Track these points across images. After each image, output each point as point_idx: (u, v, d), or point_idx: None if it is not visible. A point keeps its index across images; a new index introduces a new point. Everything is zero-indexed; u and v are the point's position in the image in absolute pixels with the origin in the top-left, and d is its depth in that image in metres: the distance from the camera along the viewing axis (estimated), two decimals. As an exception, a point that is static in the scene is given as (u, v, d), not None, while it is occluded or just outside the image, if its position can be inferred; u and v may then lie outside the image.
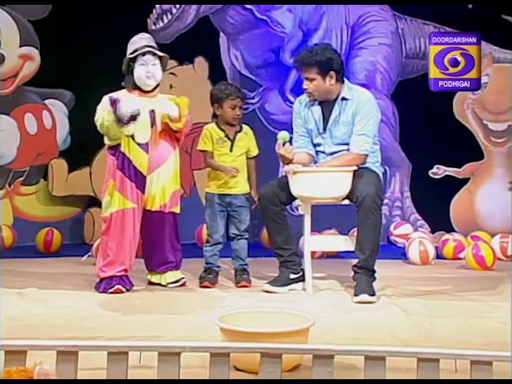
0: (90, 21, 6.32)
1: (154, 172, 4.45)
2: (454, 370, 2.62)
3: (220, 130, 4.69)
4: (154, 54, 4.42)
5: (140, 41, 4.45)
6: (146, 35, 4.56)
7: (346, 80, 4.49)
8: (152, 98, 4.47)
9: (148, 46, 4.42)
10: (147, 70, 4.40)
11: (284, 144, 4.30)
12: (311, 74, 4.37)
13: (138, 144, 4.39)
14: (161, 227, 4.53)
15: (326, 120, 4.47)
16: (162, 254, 4.57)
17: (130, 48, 4.44)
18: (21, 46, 6.47)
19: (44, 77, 6.51)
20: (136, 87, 4.44)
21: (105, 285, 4.37)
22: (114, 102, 4.24)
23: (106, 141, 4.46)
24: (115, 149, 4.40)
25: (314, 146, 4.55)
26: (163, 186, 4.49)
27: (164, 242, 4.56)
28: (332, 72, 4.36)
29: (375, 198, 4.21)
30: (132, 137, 4.37)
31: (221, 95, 4.65)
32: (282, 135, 4.31)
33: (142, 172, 4.42)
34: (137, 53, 4.39)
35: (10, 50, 6.41)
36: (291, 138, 4.49)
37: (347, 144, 4.42)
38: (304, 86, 4.44)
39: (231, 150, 4.67)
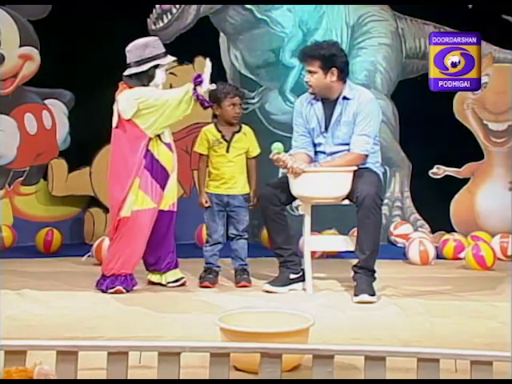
0: (90, 21, 6.31)
1: (173, 172, 4.52)
2: (454, 370, 2.62)
3: (217, 131, 4.70)
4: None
5: (161, 46, 4.47)
6: (158, 39, 4.55)
7: (348, 80, 4.49)
8: None
9: (167, 53, 4.49)
10: (163, 77, 4.49)
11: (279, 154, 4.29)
12: (314, 66, 4.38)
13: (165, 144, 4.45)
14: (168, 226, 4.56)
15: (327, 119, 4.47)
16: (167, 253, 4.59)
17: (151, 51, 4.41)
18: (21, 45, 6.46)
19: (44, 77, 6.50)
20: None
21: (108, 283, 4.36)
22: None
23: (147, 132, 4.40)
24: (143, 147, 4.37)
25: (315, 145, 4.55)
26: (173, 185, 4.55)
27: (170, 240, 4.60)
28: (334, 69, 4.36)
29: (375, 198, 4.21)
30: (159, 136, 4.41)
31: (219, 95, 4.65)
32: (276, 147, 4.29)
33: (169, 172, 4.47)
34: (167, 61, 4.46)
35: (9, 49, 6.40)
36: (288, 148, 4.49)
37: (348, 144, 4.42)
38: (305, 79, 4.46)
39: (227, 151, 4.68)
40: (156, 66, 4.43)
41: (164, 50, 4.49)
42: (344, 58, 4.46)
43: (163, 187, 4.46)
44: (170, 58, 4.52)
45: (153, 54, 4.42)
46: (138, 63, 4.41)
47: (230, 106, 4.65)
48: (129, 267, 4.40)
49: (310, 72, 4.42)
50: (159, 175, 4.43)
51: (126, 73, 4.44)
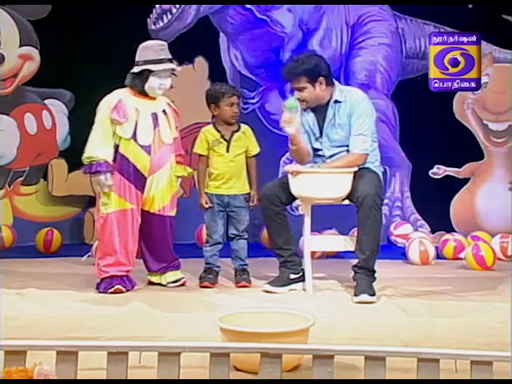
0: (90, 21, 6.32)
1: (154, 174, 4.46)
2: (454, 370, 2.62)
3: (216, 131, 4.69)
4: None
5: (160, 52, 4.40)
6: (164, 45, 4.48)
7: (336, 82, 4.49)
8: (154, 101, 4.49)
9: (169, 61, 4.41)
10: (161, 83, 4.42)
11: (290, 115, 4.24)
12: (301, 83, 4.36)
13: (141, 146, 4.41)
14: (161, 229, 4.54)
15: (320, 124, 4.46)
16: (163, 256, 4.58)
17: (147, 55, 4.38)
18: (21, 45, 6.47)
19: (44, 77, 6.51)
20: (141, 91, 4.45)
21: (105, 284, 4.37)
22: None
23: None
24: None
25: (313, 150, 4.55)
26: (163, 188, 4.51)
27: (164, 243, 4.58)
28: (321, 78, 4.36)
29: (375, 198, 4.21)
30: (134, 139, 4.39)
31: (217, 95, 4.65)
32: (289, 104, 4.22)
33: (143, 173, 4.43)
34: (158, 68, 4.36)
35: (9, 50, 6.41)
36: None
37: (345, 146, 4.41)
38: (297, 96, 4.37)
39: (228, 151, 4.67)
40: (151, 72, 4.37)
41: (162, 57, 4.38)
42: (325, 63, 4.44)
43: (140, 188, 4.43)
44: (164, 66, 4.38)
45: (146, 59, 4.38)
46: (136, 64, 4.41)
47: (228, 105, 4.65)
48: (118, 267, 4.39)
49: (297, 89, 4.38)
50: (133, 177, 4.40)
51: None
